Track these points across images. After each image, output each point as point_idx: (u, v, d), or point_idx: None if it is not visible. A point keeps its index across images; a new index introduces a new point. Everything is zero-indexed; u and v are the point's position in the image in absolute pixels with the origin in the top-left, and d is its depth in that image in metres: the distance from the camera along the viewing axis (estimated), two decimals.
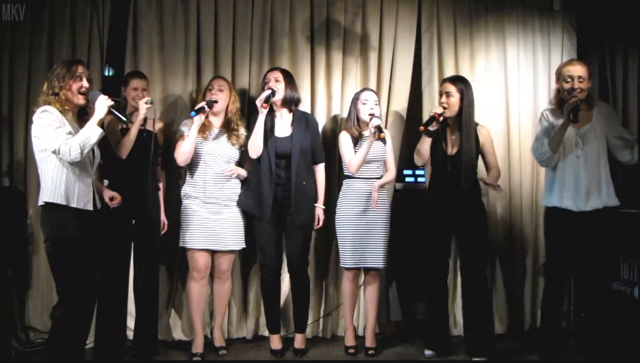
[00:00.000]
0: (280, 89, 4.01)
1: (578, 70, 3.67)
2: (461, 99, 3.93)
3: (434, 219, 4.06)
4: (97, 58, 4.22)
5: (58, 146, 3.18)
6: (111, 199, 3.70)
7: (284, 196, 3.98)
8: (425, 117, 4.52)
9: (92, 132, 3.23)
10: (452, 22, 4.60)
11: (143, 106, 3.74)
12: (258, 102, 3.91)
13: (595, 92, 3.97)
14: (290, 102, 4.07)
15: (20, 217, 4.14)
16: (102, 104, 3.30)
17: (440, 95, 4.00)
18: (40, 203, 3.26)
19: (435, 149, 3.99)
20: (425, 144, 3.96)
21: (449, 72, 4.53)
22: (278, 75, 4.04)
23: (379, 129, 3.85)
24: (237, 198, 4.07)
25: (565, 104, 3.58)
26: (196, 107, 3.89)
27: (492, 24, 4.66)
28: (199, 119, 3.89)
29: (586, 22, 4.71)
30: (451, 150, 4.00)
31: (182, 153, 3.94)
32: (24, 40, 4.16)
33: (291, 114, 4.10)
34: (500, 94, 4.63)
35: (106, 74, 4.41)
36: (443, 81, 4.08)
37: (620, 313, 3.78)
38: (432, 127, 3.90)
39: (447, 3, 4.60)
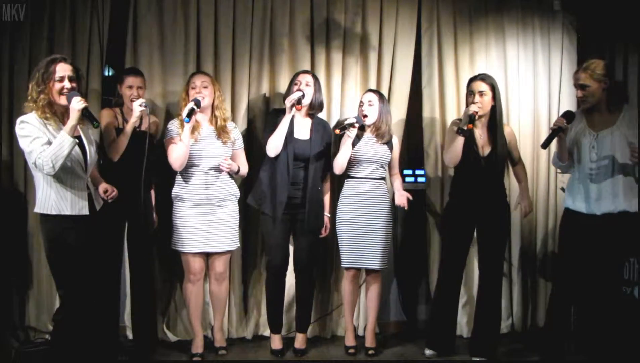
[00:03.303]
0: (309, 93, 4.00)
1: (580, 77, 3.56)
2: (493, 97, 3.89)
3: (458, 219, 3.99)
4: (97, 58, 4.20)
5: (34, 160, 3.09)
6: (105, 191, 3.46)
7: (296, 194, 3.98)
8: (428, 118, 4.55)
9: (64, 143, 3.07)
10: (452, 22, 4.60)
11: (137, 108, 3.67)
12: (289, 103, 3.87)
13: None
14: (314, 108, 4.08)
15: (20, 217, 4.13)
16: (74, 107, 3.09)
17: (472, 95, 3.89)
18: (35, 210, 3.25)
19: (468, 150, 3.89)
20: (459, 145, 3.85)
21: (449, 72, 4.53)
22: (309, 79, 4.05)
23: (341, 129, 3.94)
24: (233, 196, 4.00)
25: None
26: (186, 112, 3.75)
27: (492, 24, 4.66)
28: (191, 123, 3.79)
29: (586, 22, 4.71)
30: (482, 151, 3.94)
31: (178, 159, 3.83)
32: (24, 40, 4.14)
33: (310, 119, 4.10)
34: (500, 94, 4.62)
35: (106, 74, 4.40)
36: (472, 80, 3.95)
37: (620, 313, 3.78)
38: (468, 127, 3.78)
39: (447, 3, 4.59)
